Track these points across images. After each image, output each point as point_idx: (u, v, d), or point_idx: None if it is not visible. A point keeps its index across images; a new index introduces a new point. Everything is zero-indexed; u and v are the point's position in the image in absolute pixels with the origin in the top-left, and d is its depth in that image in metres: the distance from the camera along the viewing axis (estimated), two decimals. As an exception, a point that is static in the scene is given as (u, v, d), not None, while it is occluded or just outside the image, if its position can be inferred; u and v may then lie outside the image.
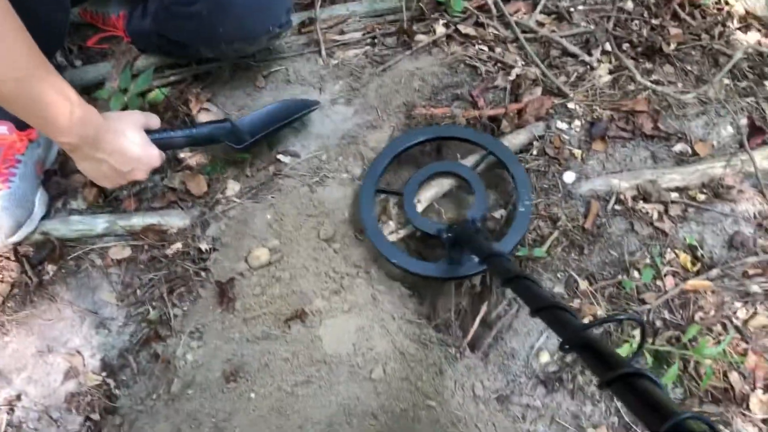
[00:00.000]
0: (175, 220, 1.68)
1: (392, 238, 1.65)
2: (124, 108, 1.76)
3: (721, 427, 1.45)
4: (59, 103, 1.20)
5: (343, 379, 1.43)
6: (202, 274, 1.61)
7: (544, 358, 1.53)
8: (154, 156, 1.47)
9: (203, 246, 1.64)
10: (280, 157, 1.77)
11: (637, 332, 1.53)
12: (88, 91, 1.82)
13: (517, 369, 1.52)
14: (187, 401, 1.44)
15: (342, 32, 2.01)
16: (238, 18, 1.60)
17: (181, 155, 1.79)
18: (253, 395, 1.42)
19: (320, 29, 1.99)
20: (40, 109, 1.19)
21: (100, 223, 1.67)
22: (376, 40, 2.00)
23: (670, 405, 0.60)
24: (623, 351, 1.47)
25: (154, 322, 1.56)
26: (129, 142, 1.41)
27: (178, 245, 1.64)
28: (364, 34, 2.01)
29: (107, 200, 1.74)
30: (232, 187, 1.73)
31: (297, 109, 1.76)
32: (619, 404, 1.47)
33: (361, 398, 1.41)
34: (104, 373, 1.53)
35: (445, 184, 1.75)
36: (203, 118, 1.82)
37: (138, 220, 1.67)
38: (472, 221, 1.55)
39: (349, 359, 1.46)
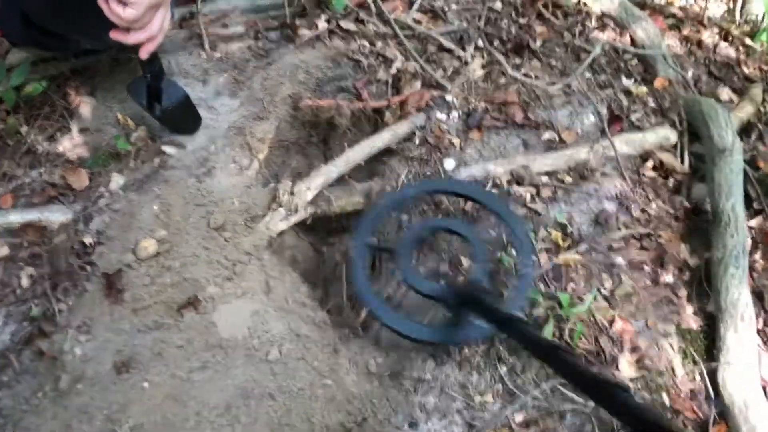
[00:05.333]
0: (56, 216, 1.62)
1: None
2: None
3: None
4: None
5: (240, 362, 1.44)
6: (88, 268, 1.57)
7: (433, 333, 1.60)
8: None
9: (87, 240, 1.59)
10: (165, 148, 1.75)
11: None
12: (-45, 84, 1.74)
13: (408, 345, 1.59)
14: (76, 396, 1.40)
15: (225, 26, 2.01)
16: None
17: (60, 148, 1.73)
18: (146, 384, 1.40)
19: (202, 23, 1.98)
20: None
21: (-27, 221, 1.59)
22: (259, 35, 2.03)
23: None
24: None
25: (38, 318, 1.50)
26: None
27: (61, 239, 1.59)
28: (247, 29, 2.03)
29: (-20, 197, 1.66)
30: (116, 180, 1.69)
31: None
32: (502, 371, 1.56)
33: (258, 380, 1.42)
34: (-18, 377, 1.46)
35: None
36: (84, 111, 1.77)
37: (16, 217, 1.61)
38: (478, 282, 1.45)
39: (245, 342, 1.47)
